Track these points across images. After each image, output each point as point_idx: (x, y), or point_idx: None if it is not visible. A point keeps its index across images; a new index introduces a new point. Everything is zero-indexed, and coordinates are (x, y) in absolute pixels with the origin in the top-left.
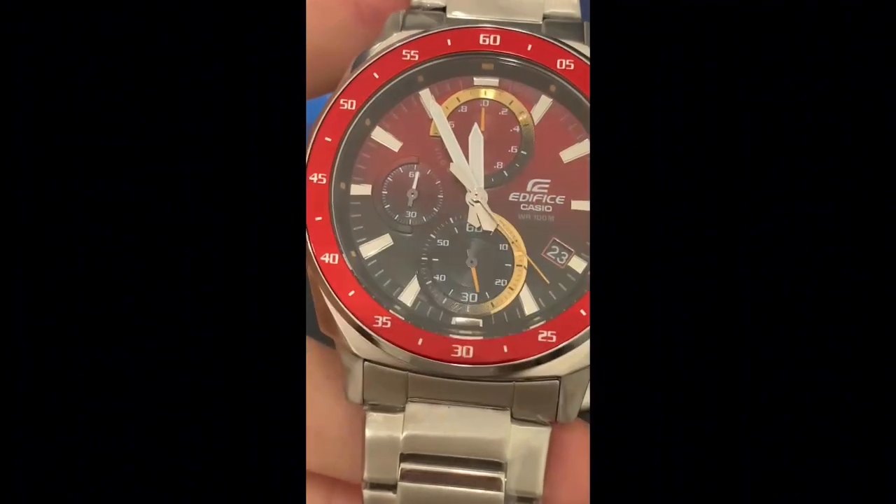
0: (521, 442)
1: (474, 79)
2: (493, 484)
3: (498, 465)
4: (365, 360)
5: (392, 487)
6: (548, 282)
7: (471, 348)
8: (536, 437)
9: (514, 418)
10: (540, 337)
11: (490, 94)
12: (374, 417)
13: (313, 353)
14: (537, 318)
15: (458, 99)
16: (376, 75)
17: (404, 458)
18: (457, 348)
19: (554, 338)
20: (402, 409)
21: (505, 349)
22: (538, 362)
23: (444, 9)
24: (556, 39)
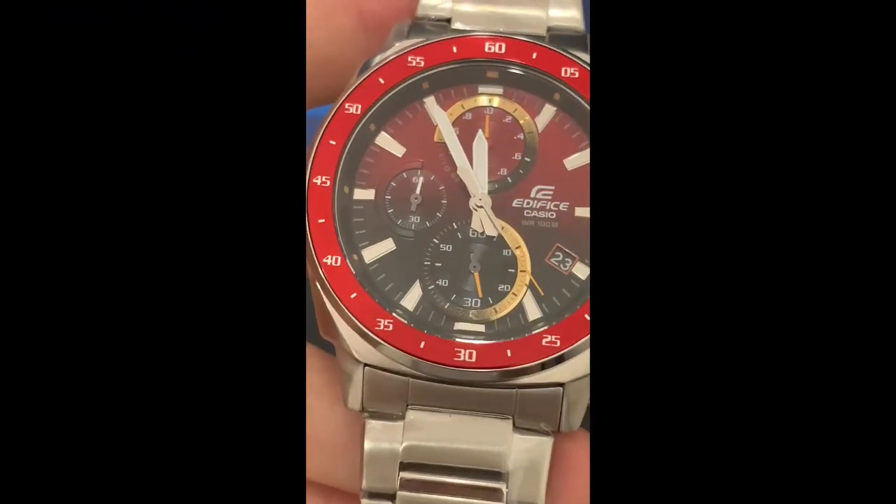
0: (523, 452)
1: (479, 87)
2: (494, 494)
3: (499, 476)
4: (365, 364)
5: (391, 497)
6: (551, 288)
7: (474, 352)
8: (539, 447)
9: (516, 427)
10: (544, 341)
11: (494, 101)
12: (373, 425)
13: (313, 359)
14: (540, 324)
15: (462, 106)
16: (382, 80)
17: (403, 467)
18: (459, 352)
19: (558, 342)
20: (402, 417)
21: (508, 353)
22: (542, 367)
23: (448, 20)
24: (561, 48)
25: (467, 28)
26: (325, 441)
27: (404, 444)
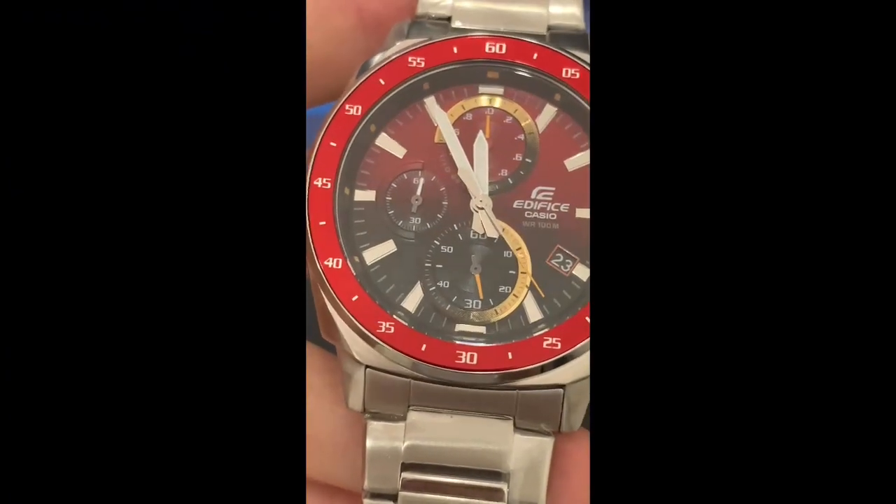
0: (524, 452)
1: (479, 87)
2: (495, 494)
3: (500, 476)
4: (367, 366)
5: (393, 497)
6: (552, 289)
7: (475, 355)
8: (539, 448)
9: (517, 428)
10: (545, 344)
11: (495, 102)
12: (374, 426)
13: (314, 359)
14: (542, 326)
15: (462, 107)
16: (382, 81)
17: (405, 467)
18: (461, 354)
19: (559, 345)
20: (404, 418)
21: (509, 356)
22: (542, 370)
23: (448, 19)
24: (561, 49)
25: (467, 27)
26: (327, 441)
27: (406, 445)
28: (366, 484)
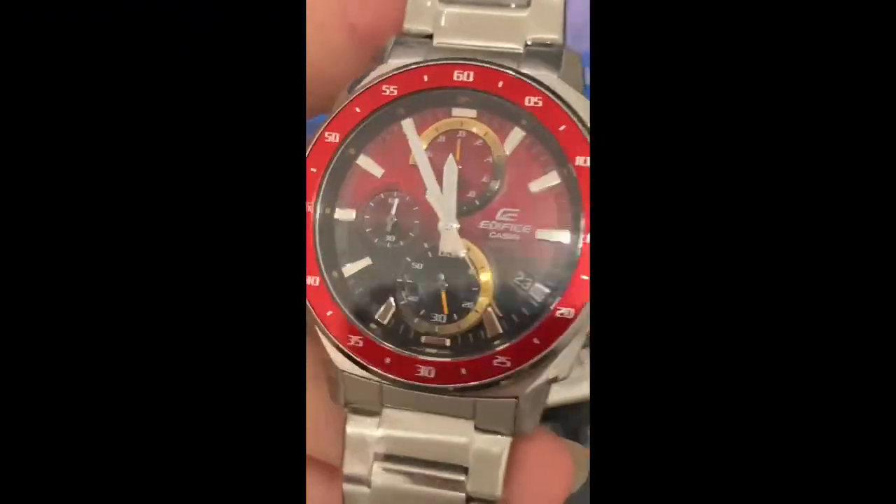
0: (483, 448)
1: (453, 109)
2: (455, 485)
3: (462, 469)
4: (343, 371)
5: (367, 483)
6: (511, 307)
7: (433, 369)
8: (497, 444)
9: (476, 427)
10: (495, 362)
11: (467, 125)
12: (353, 418)
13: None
14: (497, 342)
15: (436, 129)
16: (358, 110)
17: (378, 457)
18: (419, 368)
19: (508, 363)
20: (379, 414)
21: (463, 371)
22: (493, 384)
23: (430, 36)
24: (526, 76)
25: (448, 42)
26: (323, 429)
27: (379, 437)
28: (344, 470)
